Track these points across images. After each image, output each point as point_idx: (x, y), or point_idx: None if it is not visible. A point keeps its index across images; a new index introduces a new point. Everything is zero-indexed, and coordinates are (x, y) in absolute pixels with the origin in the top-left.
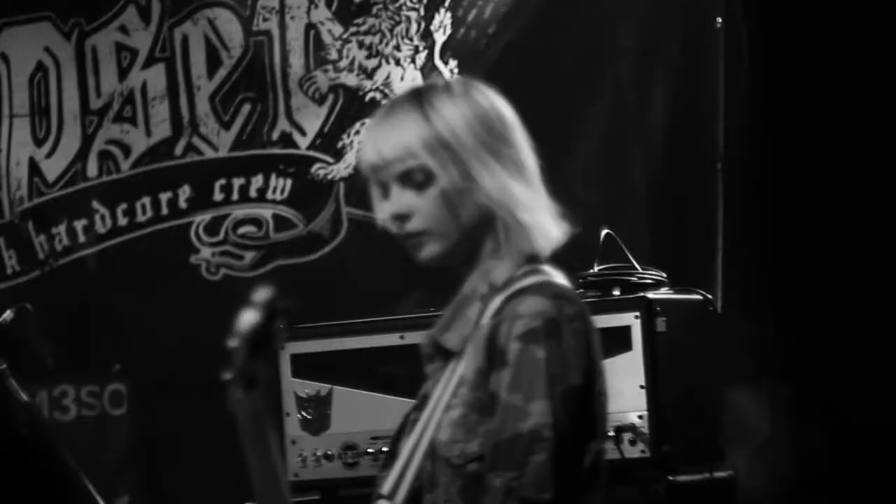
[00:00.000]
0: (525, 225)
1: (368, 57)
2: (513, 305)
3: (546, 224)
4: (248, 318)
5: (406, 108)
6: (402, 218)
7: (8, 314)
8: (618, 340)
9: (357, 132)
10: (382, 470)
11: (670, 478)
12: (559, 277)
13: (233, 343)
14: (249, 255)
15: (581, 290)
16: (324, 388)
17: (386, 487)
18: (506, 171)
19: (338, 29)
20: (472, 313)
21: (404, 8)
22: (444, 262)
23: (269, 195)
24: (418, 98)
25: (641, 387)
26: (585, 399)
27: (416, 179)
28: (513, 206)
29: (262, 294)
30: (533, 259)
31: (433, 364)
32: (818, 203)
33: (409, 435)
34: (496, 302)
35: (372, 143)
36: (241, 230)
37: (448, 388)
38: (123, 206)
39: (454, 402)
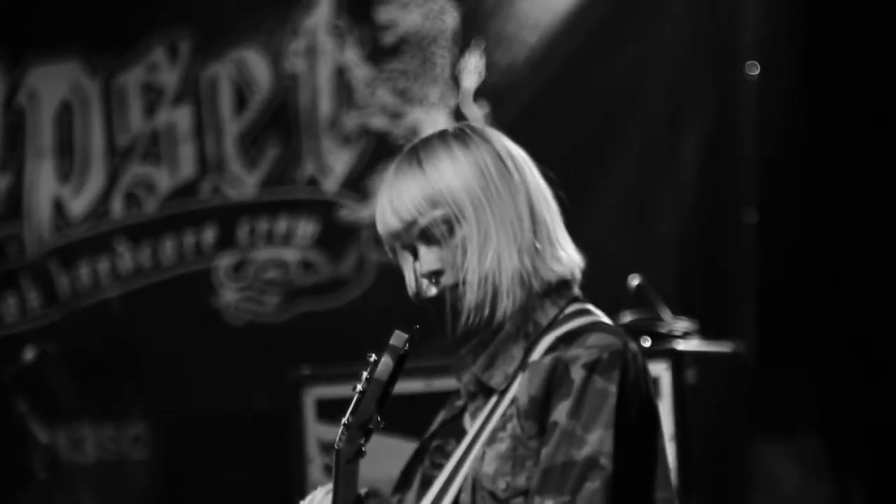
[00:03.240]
0: (538, 263)
1: (398, 100)
2: (578, 343)
3: (558, 255)
4: (385, 365)
5: (406, 169)
6: (435, 274)
7: (30, 355)
8: None
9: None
10: (394, 494)
11: None
12: (606, 318)
13: (364, 387)
14: (274, 300)
15: None
16: None
17: None
18: (514, 212)
19: (367, 72)
20: (516, 352)
21: (435, 52)
22: (484, 317)
23: (295, 239)
24: (416, 155)
25: (670, 438)
26: (647, 437)
27: (436, 234)
28: (522, 248)
29: (398, 339)
30: (575, 299)
31: (474, 402)
32: (854, 252)
33: (438, 467)
34: (546, 341)
35: (386, 211)
36: (266, 275)
37: (490, 422)
38: (148, 247)
39: (500, 436)
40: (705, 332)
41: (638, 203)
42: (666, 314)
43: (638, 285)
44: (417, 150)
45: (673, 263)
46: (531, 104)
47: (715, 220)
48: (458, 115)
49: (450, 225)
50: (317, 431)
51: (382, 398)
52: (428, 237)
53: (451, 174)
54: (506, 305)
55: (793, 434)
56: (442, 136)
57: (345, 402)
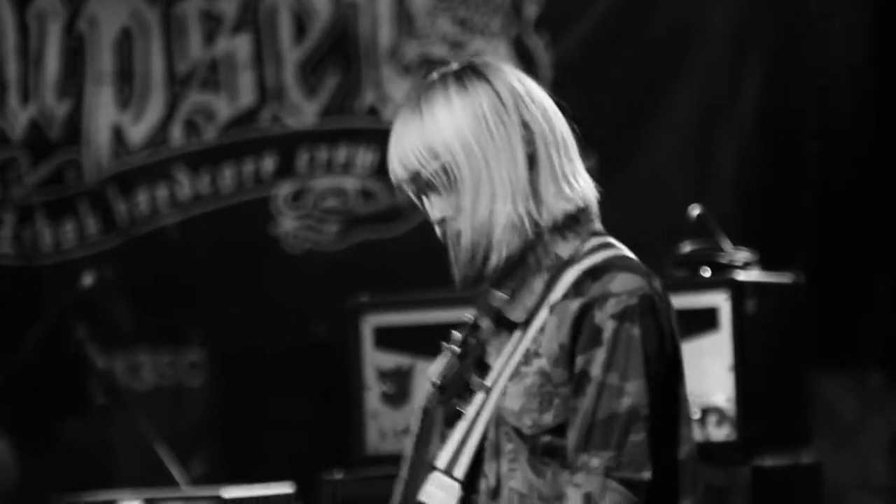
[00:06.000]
0: (533, 207)
1: (458, 30)
2: (602, 283)
3: (564, 192)
4: (488, 328)
5: (408, 117)
6: (444, 222)
7: (88, 280)
8: (705, 321)
9: None
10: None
11: (755, 463)
12: (628, 251)
13: (462, 350)
14: (332, 229)
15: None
16: (405, 361)
17: (442, 461)
18: (509, 155)
19: (427, 1)
20: (536, 285)
21: None
22: (477, 264)
23: (355, 168)
24: (417, 102)
25: (729, 369)
26: (673, 375)
27: (438, 183)
28: (517, 193)
29: (498, 300)
30: (595, 233)
31: (497, 337)
32: None
33: (463, 402)
34: (569, 276)
35: (393, 161)
36: (325, 203)
37: (514, 358)
38: (207, 175)
39: (525, 371)
40: (765, 263)
41: (699, 133)
42: (726, 244)
43: (698, 215)
44: (420, 97)
45: (734, 194)
46: (592, 34)
47: (776, 150)
48: (518, 44)
49: (449, 174)
50: (375, 359)
51: (480, 361)
52: (432, 186)
53: (446, 123)
54: (499, 253)
55: (853, 365)
56: (443, 79)
57: (402, 330)
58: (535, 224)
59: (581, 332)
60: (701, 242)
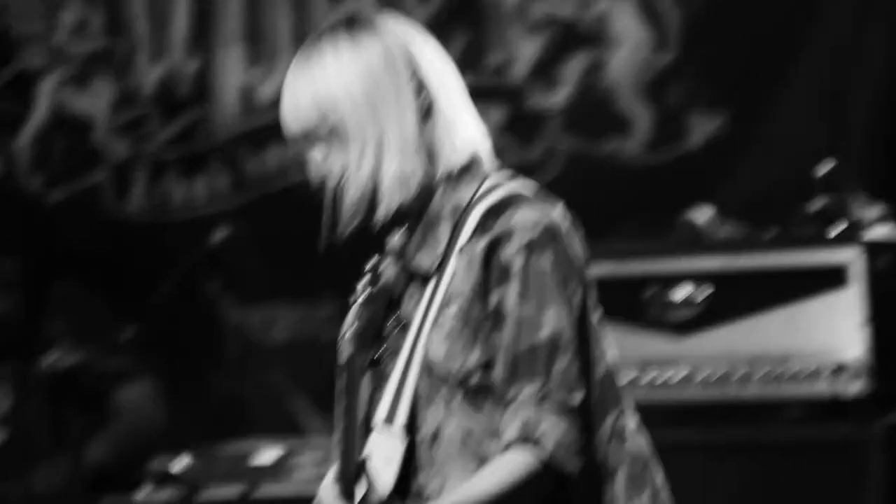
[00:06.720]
0: (425, 163)
1: None
2: (504, 219)
3: (455, 143)
4: (390, 270)
5: (299, 71)
6: (331, 177)
7: (220, 236)
8: (835, 277)
9: (573, 63)
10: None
11: (890, 418)
12: (527, 182)
13: (369, 295)
14: None
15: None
16: None
17: (381, 414)
18: (398, 111)
19: None
20: (442, 234)
21: None
22: (360, 220)
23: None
24: (308, 56)
25: (861, 325)
26: (583, 297)
27: (328, 140)
28: (406, 150)
29: (395, 242)
30: (494, 171)
31: (409, 290)
32: None
33: (387, 359)
34: (473, 217)
35: (287, 116)
36: None
37: (432, 307)
38: None
39: (443, 320)
40: None
41: (831, 84)
42: (858, 199)
43: (830, 171)
44: (311, 50)
45: (868, 146)
46: None
47: None
48: (645, 3)
49: (338, 132)
50: None
51: (390, 304)
52: (324, 142)
53: (335, 80)
54: (386, 207)
55: None
56: (333, 31)
57: None
58: (429, 177)
59: (491, 269)
60: (832, 197)
